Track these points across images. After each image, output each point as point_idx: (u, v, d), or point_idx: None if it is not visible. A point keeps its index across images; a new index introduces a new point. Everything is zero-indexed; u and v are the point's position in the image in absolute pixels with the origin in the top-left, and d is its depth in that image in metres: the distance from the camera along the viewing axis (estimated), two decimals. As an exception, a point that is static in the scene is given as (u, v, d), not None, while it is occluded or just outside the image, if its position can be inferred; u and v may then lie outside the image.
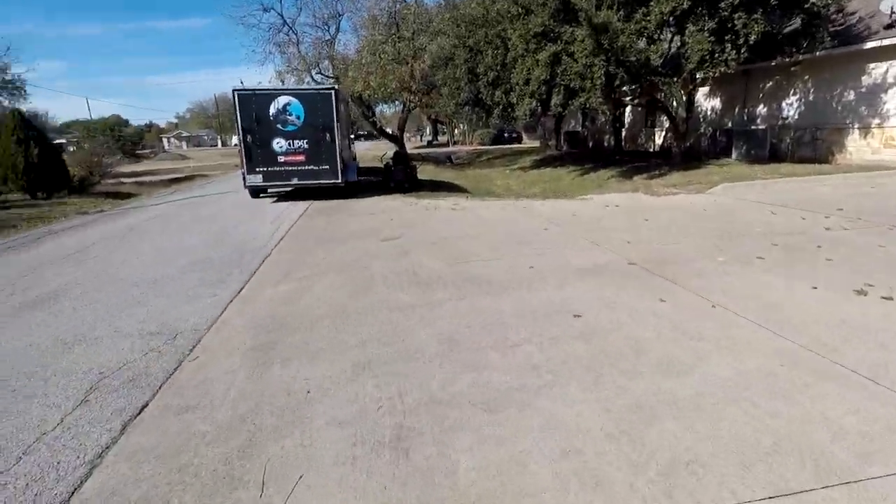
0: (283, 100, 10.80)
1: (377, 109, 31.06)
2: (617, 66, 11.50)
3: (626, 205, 9.39)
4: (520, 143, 41.34)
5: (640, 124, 23.50)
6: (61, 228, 9.94)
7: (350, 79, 22.31)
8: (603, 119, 27.07)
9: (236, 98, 10.65)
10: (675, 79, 13.03)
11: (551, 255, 5.75)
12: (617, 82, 12.02)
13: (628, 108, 22.36)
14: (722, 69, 11.90)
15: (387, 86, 20.79)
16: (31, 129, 17.80)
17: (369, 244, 6.75)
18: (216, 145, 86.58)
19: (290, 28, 24.21)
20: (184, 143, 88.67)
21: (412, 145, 47.21)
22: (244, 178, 11.06)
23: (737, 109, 17.48)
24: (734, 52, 11.68)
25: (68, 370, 3.33)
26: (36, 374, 3.30)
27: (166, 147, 79.98)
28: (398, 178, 12.67)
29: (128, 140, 37.63)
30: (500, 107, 16.56)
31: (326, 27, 24.70)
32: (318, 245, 6.82)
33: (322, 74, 25.25)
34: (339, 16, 24.59)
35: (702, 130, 18.82)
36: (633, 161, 17.85)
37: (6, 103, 34.73)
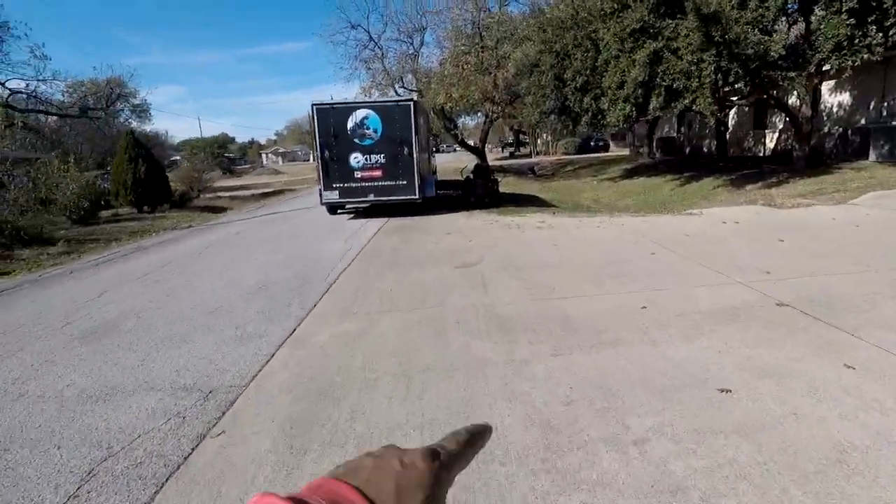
0: (360, 113, 10.40)
1: (459, 121, 30.69)
2: (730, 60, 9.93)
3: (748, 220, 7.88)
4: (607, 151, 39.16)
5: (747, 126, 21.03)
6: (151, 244, 10.12)
7: (433, 91, 21.98)
8: (702, 122, 24.70)
9: (314, 112, 10.39)
10: (800, 73, 11.15)
11: (669, 291, 4.59)
12: (731, 79, 10.42)
13: (732, 110, 20.05)
14: (864, 56, 9.94)
15: (469, 97, 20.18)
16: (140, 147, 19.10)
17: (444, 271, 5.93)
18: (308, 160, 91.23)
19: (376, 44, 24.47)
20: (280, 159, 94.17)
21: (494, 157, 46.42)
22: (320, 195, 10.76)
23: (873, 104, 14.90)
24: (881, 34, 9.72)
25: (78, 439, 2.77)
26: (41, 442, 2.77)
27: (264, 162, 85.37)
28: (478, 192, 11.86)
29: (225, 157, 40.36)
30: (590, 114, 15.34)
31: (410, 41, 24.69)
32: (388, 270, 6.11)
33: (405, 88, 25.20)
34: (423, 29, 24.49)
35: (826, 130, 16.28)
36: (741, 168, 15.77)
37: (134, 124, 39.56)
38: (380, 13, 42.92)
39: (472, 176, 12.59)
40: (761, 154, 20.03)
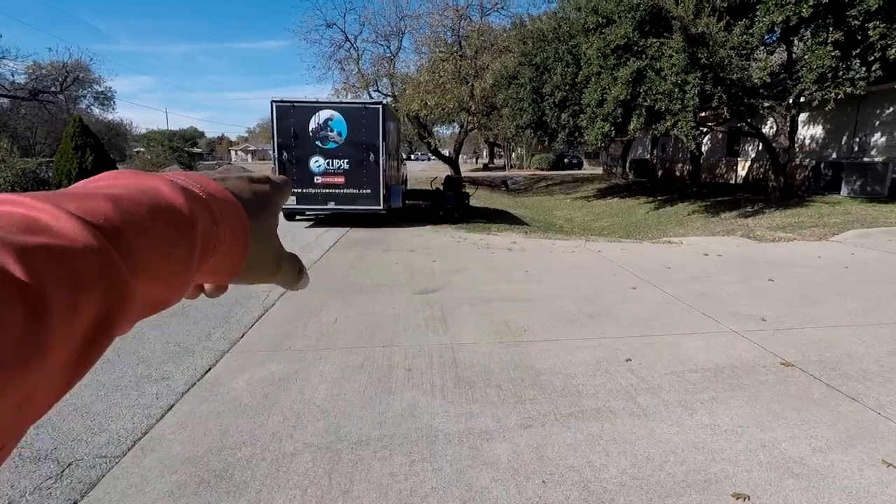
0: (324, 114, 9.61)
1: (434, 130, 30.10)
2: (714, 84, 9.60)
3: (730, 253, 7.43)
4: (580, 169, 39.27)
5: (720, 153, 21.11)
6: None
7: (407, 97, 21.32)
8: (675, 146, 24.80)
9: (274, 110, 9.55)
10: (779, 102, 10.96)
11: (655, 339, 3.98)
12: (714, 103, 10.09)
13: (706, 136, 20.07)
14: (847, 90, 9.76)
15: (444, 105, 19.59)
16: (88, 135, 17.70)
17: (399, 298, 5.20)
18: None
19: (352, 45, 23.66)
20: (249, 156, 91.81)
21: (468, 168, 46.05)
22: (276, 200, 9.88)
23: (845, 138, 14.98)
24: (863, 69, 9.55)
25: None
26: None
27: (233, 159, 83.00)
28: (448, 206, 11.19)
29: (186, 151, 38.70)
30: (567, 130, 14.95)
31: (387, 44, 23.99)
32: (337, 294, 5.32)
33: (380, 92, 24.46)
34: (402, 33, 23.82)
35: (798, 161, 16.33)
36: (715, 194, 15.62)
37: (96, 112, 37.66)
38: (357, 13, 41.87)
39: (441, 188, 11.92)
40: (733, 181, 20.07)
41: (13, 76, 28.87)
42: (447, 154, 28.01)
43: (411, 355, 3.73)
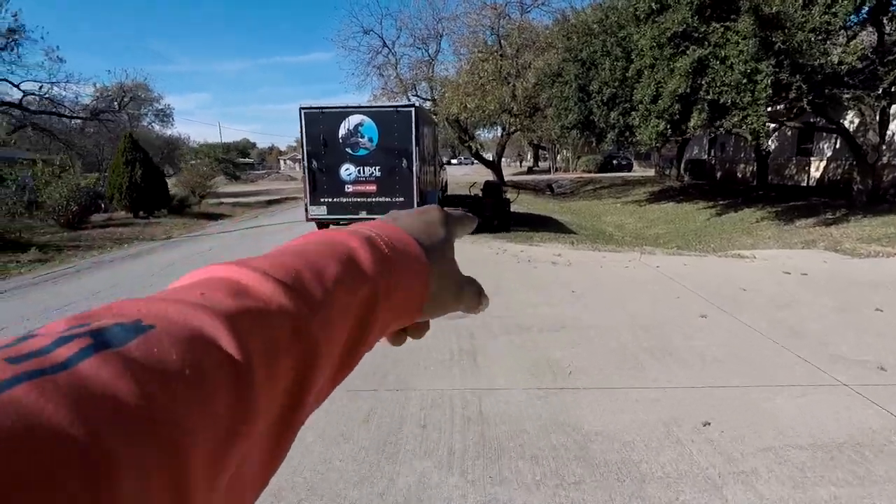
0: (354, 119, 9.09)
1: (476, 134, 29.44)
2: (792, 72, 8.43)
3: (817, 272, 6.32)
4: (630, 171, 37.55)
5: (790, 152, 19.34)
6: (113, 259, 8.89)
7: (447, 100, 20.76)
8: (737, 145, 23.06)
9: (302, 116, 9.12)
10: (869, 92, 9.59)
11: (739, 393, 3.11)
12: (792, 94, 8.90)
13: (774, 133, 18.40)
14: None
15: (485, 107, 18.87)
16: (138, 150, 18.11)
17: (425, 325, 4.52)
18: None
19: (390, 50, 23.35)
20: (296, 165, 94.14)
21: (511, 171, 45.10)
22: (306, 210, 9.45)
23: (942, 134, 13.21)
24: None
25: None
26: None
27: (281, 169, 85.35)
28: (487, 214, 10.45)
29: (231, 162, 39.93)
30: (616, 130, 13.92)
31: (425, 47, 23.53)
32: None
33: (419, 97, 24.03)
34: (440, 36, 23.31)
35: (886, 161, 14.58)
36: (786, 199, 14.12)
37: (157, 128, 39.84)
38: (393, 18, 41.41)
39: (480, 194, 11.20)
40: (804, 184, 18.31)
41: (77, 98, 30.37)
42: (490, 158, 27.30)
43: (429, 404, 3.04)
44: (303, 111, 9.10)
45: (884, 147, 13.43)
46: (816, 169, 17.80)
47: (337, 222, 10.00)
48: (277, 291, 0.24)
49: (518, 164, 61.14)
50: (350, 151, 9.16)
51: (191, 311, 0.22)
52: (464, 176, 38.00)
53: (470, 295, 0.42)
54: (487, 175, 28.03)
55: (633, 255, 7.54)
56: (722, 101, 8.96)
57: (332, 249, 0.30)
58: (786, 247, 8.82)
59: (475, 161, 26.98)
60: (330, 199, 9.34)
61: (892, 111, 13.58)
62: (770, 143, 19.66)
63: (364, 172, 9.20)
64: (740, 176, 22.53)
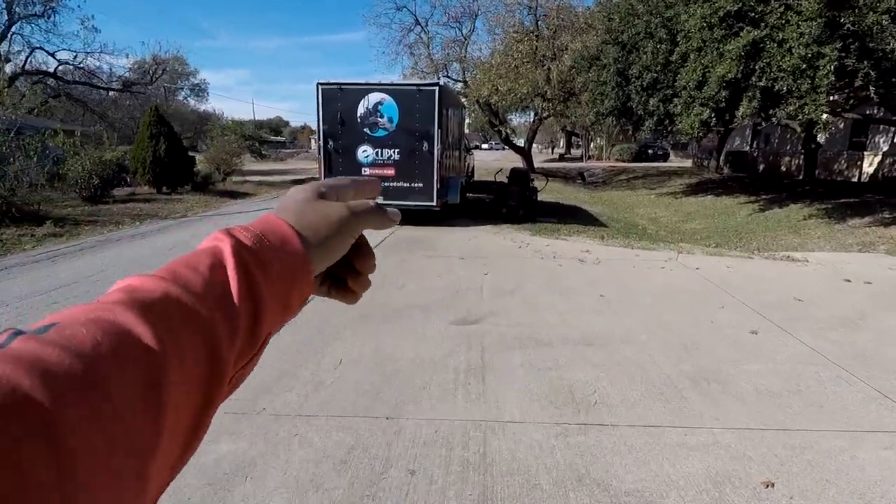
0: (374, 97, 8.57)
1: (508, 118, 28.54)
2: (860, 57, 7.51)
3: (882, 279, 5.57)
4: (665, 161, 36.05)
5: (840, 145, 18.02)
6: (118, 238, 8.63)
7: (478, 81, 20.01)
8: (783, 137, 21.70)
9: (319, 93, 8.63)
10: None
11: (810, 442, 2.51)
12: (859, 81, 7.97)
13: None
14: None
15: (517, 90, 18.06)
16: (163, 124, 17.95)
17: (431, 329, 4.02)
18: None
19: (423, 28, 22.57)
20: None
21: (542, 158, 43.96)
22: (321, 193, 9.03)
23: None
24: None
25: None
26: None
27: (311, 147, 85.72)
28: (511, 203, 9.85)
29: (256, 141, 39.90)
30: (655, 118, 13.06)
31: (459, 26, 22.69)
32: (355, 321, 4.21)
33: (450, 78, 23.28)
34: (475, 15, 22.41)
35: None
36: (835, 195, 13.04)
37: (192, 103, 40.15)
38: (428, -7, 39.90)
39: (506, 181, 10.57)
40: (856, 179, 17.03)
41: (111, 69, 30.57)
42: (521, 144, 26.46)
43: (422, 441, 2.54)
44: (320, 87, 8.62)
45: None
46: (870, 164, 16.51)
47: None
48: (162, 284, 0.30)
49: (550, 150, 59.81)
50: (368, 132, 8.65)
51: (92, 305, 0.27)
52: (494, 161, 37.03)
53: (365, 217, 0.41)
54: (517, 161, 27.21)
55: (670, 255, 6.86)
56: (776, 87, 8.09)
57: (196, 257, 0.33)
58: (840, 248, 8.00)
59: (506, 146, 26.15)
60: (346, 183, 8.89)
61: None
62: (820, 135, 18.37)
63: (382, 155, 8.69)
64: (784, 169, 21.21)
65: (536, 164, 27.74)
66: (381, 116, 8.59)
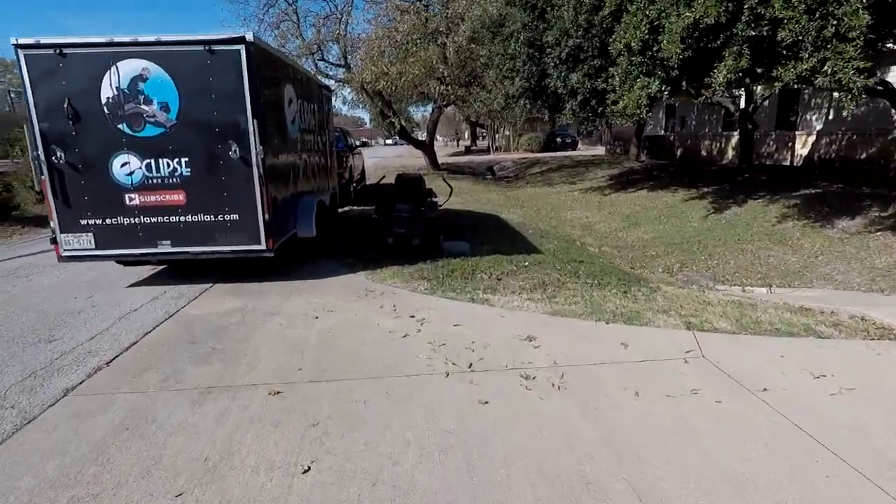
0: (127, 67, 4.77)
1: (406, 109, 25.04)
2: None
3: None
4: (574, 149, 34.43)
5: (767, 125, 16.50)
6: None
7: (361, 64, 16.41)
8: (700, 118, 20.19)
9: (23, 63, 4.69)
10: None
11: None
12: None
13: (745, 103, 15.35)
14: None
15: (407, 72, 14.66)
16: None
17: None
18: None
19: (289, 4, 18.40)
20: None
21: (447, 152, 41.03)
22: (55, 242, 5.07)
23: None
24: None
25: None
26: None
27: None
28: (399, 229, 6.45)
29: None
30: (580, 98, 10.35)
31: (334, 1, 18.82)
32: None
33: (327, 62, 19.38)
34: (352, -14, 18.63)
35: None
36: (788, 185, 11.03)
37: None
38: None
39: (390, 196, 7.10)
40: (787, 163, 15.52)
41: None
42: (423, 138, 23.16)
43: None
44: (22, 53, 4.66)
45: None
46: (802, 145, 15.01)
47: (123, 261, 5.59)
48: None
49: (456, 143, 57.24)
50: (127, 130, 4.85)
51: None
52: (397, 158, 33.32)
53: None
54: (420, 158, 23.84)
55: (677, 337, 3.78)
56: (780, 37, 5.33)
57: None
58: (872, 272, 5.45)
59: (406, 141, 22.67)
60: (99, 221, 5.02)
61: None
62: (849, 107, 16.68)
63: (159, 168, 4.92)
64: (706, 154, 19.70)
65: (441, 160, 24.60)
66: (149, 102, 4.81)
